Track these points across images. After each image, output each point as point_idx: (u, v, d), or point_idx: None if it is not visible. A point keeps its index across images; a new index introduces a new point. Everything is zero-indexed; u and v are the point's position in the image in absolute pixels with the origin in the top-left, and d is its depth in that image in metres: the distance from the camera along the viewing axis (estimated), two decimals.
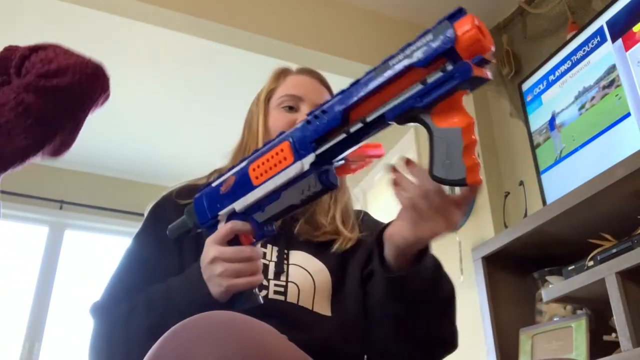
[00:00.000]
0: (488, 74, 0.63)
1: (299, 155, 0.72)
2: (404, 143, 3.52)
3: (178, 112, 3.60)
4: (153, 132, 3.83)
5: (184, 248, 0.94)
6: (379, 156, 0.83)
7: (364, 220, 1.10)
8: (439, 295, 0.90)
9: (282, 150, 0.73)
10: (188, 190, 1.03)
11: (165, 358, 0.59)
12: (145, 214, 1.04)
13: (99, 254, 4.12)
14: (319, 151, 0.71)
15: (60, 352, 3.76)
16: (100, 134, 3.85)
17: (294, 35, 2.67)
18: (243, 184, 0.77)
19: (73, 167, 4.14)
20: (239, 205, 0.78)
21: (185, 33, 2.59)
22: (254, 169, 0.76)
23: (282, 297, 0.91)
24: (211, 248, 0.78)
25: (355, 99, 0.69)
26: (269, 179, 0.75)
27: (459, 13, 0.62)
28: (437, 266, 0.89)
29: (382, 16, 2.94)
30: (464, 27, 0.61)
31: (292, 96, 1.07)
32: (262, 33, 2.58)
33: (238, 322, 0.58)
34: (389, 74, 0.66)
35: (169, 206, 1.01)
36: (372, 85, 0.68)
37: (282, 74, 1.14)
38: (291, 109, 1.06)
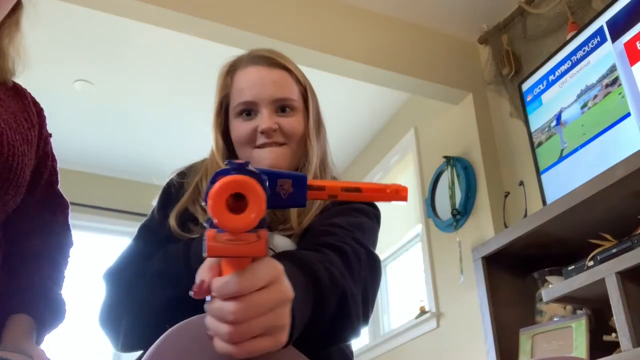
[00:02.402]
0: None
1: None
2: (404, 143, 3.53)
3: (178, 112, 3.61)
4: (153, 132, 3.83)
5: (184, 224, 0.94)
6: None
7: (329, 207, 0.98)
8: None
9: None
10: (187, 171, 1.03)
11: (165, 357, 0.59)
12: (159, 193, 1.04)
13: (99, 254, 4.12)
14: None
15: (60, 352, 3.76)
16: (100, 134, 3.85)
17: (294, 36, 2.67)
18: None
19: (73, 167, 4.14)
20: None
21: (186, 33, 2.59)
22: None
23: None
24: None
25: None
26: None
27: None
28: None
29: (381, 16, 2.94)
30: None
31: (246, 103, 0.97)
32: (262, 33, 2.58)
33: None
34: None
35: (176, 187, 1.01)
36: None
37: (229, 73, 1.03)
38: (249, 114, 0.98)
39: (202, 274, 0.54)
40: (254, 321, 0.51)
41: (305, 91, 1.03)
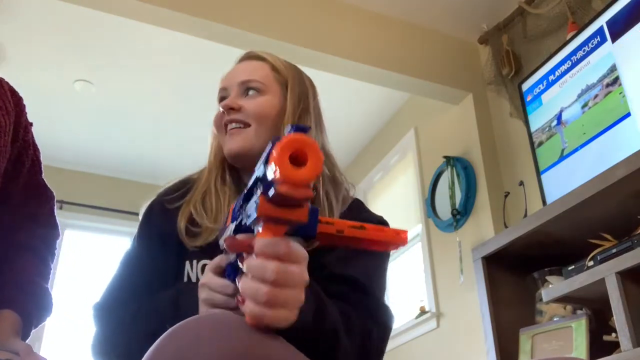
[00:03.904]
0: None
1: None
2: (404, 143, 3.52)
3: (178, 112, 3.61)
4: (153, 132, 3.83)
5: (168, 250, 0.94)
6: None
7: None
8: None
9: None
10: (175, 189, 1.02)
11: (164, 359, 0.59)
12: (140, 216, 1.04)
13: (99, 254, 4.12)
14: None
15: (60, 352, 3.76)
16: (99, 134, 3.85)
17: (294, 35, 2.67)
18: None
19: (73, 167, 4.14)
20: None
21: (186, 33, 2.59)
22: None
23: None
24: (205, 274, 0.77)
25: None
26: None
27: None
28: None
29: (381, 16, 2.94)
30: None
31: (220, 90, 1.03)
32: (262, 33, 2.58)
33: (236, 323, 0.58)
34: None
35: (157, 208, 1.00)
36: None
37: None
38: (222, 100, 1.01)
39: (243, 236, 0.58)
40: (287, 289, 0.55)
41: (285, 80, 1.03)
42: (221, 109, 0.99)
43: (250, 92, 0.99)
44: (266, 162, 0.53)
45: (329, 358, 0.73)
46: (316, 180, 0.51)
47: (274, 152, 0.51)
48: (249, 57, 1.05)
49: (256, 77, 1.00)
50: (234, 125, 0.97)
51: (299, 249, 0.57)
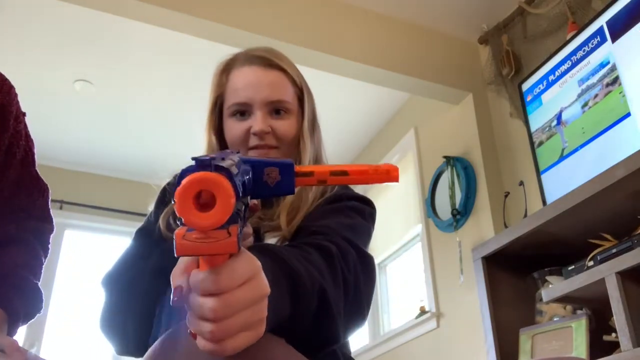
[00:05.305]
0: None
1: None
2: (404, 143, 3.53)
3: (178, 112, 3.61)
4: (153, 132, 3.83)
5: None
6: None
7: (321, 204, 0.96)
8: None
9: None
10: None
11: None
12: (156, 196, 1.02)
13: (99, 253, 4.12)
14: None
15: (60, 352, 3.76)
16: (99, 134, 3.85)
17: (294, 35, 2.67)
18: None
19: (73, 167, 4.14)
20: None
21: (186, 33, 2.59)
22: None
23: None
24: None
25: None
26: None
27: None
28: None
29: (381, 16, 2.94)
30: None
31: (240, 104, 0.97)
32: (262, 33, 2.58)
33: None
34: None
35: (171, 189, 0.99)
36: None
37: (224, 72, 1.03)
38: (243, 114, 0.97)
39: (177, 278, 0.52)
40: (234, 318, 0.51)
41: (301, 92, 1.02)
42: (253, 130, 0.95)
43: (281, 113, 0.97)
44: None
45: (322, 316, 0.69)
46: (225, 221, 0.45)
47: (176, 199, 0.45)
48: (269, 64, 1.00)
49: (285, 97, 0.98)
50: (263, 148, 0.96)
51: (242, 269, 0.51)
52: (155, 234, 0.93)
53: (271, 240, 0.89)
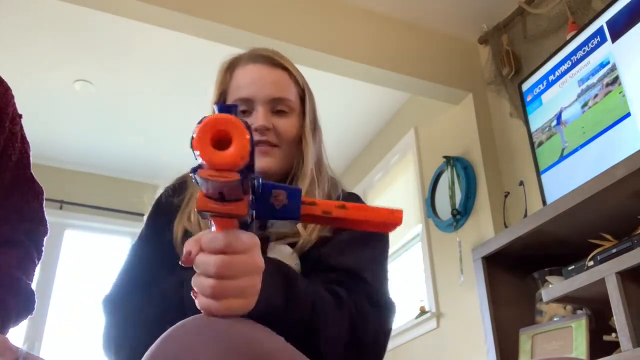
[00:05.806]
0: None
1: None
2: (404, 143, 3.52)
3: (178, 112, 3.61)
4: (153, 132, 3.83)
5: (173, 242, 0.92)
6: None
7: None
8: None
9: None
10: (178, 186, 1.01)
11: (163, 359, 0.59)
12: (149, 208, 1.01)
13: (99, 253, 4.12)
14: None
15: (60, 351, 3.76)
16: (99, 134, 3.85)
17: (294, 35, 2.67)
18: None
19: (73, 167, 4.14)
20: None
21: (186, 33, 2.59)
22: None
23: None
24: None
25: None
26: None
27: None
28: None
29: (381, 16, 2.94)
30: None
31: (242, 100, 0.96)
32: (262, 33, 2.58)
33: (235, 324, 0.58)
34: None
35: (164, 202, 0.99)
36: None
37: (228, 70, 1.03)
38: (245, 112, 0.97)
39: (189, 244, 0.58)
40: (232, 281, 0.56)
41: (304, 93, 1.02)
42: (254, 126, 0.95)
43: (283, 111, 0.97)
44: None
45: (313, 332, 0.72)
46: (243, 164, 0.49)
47: (195, 135, 0.48)
48: (273, 63, 1.01)
49: (288, 95, 0.98)
50: (264, 144, 0.95)
51: (245, 239, 0.57)
52: (151, 252, 0.92)
53: (282, 245, 0.89)
